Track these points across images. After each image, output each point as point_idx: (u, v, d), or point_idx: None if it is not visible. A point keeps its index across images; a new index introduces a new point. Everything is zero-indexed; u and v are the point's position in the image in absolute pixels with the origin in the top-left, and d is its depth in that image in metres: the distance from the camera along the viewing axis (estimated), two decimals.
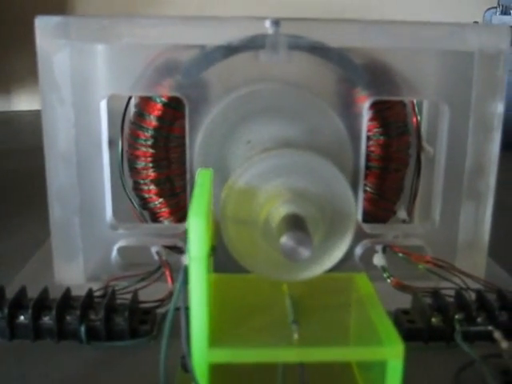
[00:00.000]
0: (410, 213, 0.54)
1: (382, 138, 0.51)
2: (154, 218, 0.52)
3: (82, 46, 0.45)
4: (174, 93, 0.47)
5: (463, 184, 0.49)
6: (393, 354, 0.32)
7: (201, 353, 0.31)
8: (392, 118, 0.51)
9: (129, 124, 0.51)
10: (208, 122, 0.47)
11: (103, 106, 0.46)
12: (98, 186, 0.48)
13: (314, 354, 0.32)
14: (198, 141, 0.48)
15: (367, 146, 0.49)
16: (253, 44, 0.45)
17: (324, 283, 0.38)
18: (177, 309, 0.30)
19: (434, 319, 0.45)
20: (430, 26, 0.46)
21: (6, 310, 0.43)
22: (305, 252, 0.31)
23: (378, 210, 0.52)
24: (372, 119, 0.50)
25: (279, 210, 0.34)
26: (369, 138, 0.50)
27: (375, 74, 0.47)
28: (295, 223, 0.33)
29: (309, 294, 0.37)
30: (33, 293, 0.44)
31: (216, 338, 0.32)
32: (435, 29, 0.46)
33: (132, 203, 0.52)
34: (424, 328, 0.45)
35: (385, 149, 0.51)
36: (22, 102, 1.52)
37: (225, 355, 0.31)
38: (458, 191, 0.49)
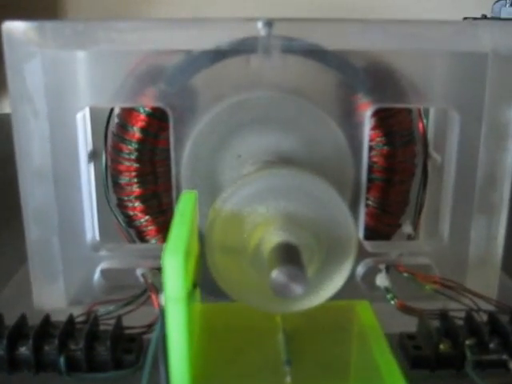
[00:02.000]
0: (415, 227, 0.51)
1: (385, 147, 0.48)
2: (140, 236, 0.50)
3: (55, 53, 0.42)
4: (156, 103, 0.44)
5: (474, 197, 0.46)
6: None
7: None
8: (396, 126, 0.48)
9: (111, 136, 0.48)
10: (195, 135, 0.45)
11: (80, 118, 0.44)
12: (78, 204, 0.46)
13: None
14: (185, 155, 0.45)
15: (369, 157, 0.47)
16: (243, 47, 0.43)
17: (322, 313, 0.36)
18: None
19: (442, 345, 0.42)
20: (438, 25, 0.43)
21: None
22: (297, 289, 0.29)
23: (381, 226, 0.50)
24: (375, 128, 0.48)
25: (270, 238, 0.32)
26: (371, 148, 0.48)
27: (378, 79, 0.44)
28: (288, 255, 0.30)
29: (305, 326, 0.35)
30: (12, 320, 0.42)
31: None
32: (443, 28, 0.43)
33: (117, 220, 0.49)
34: (431, 355, 0.42)
35: (389, 160, 0.49)
36: None
37: None
38: (468, 204, 0.46)
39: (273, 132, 0.45)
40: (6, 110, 1.53)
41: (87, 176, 0.45)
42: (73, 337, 0.41)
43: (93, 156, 0.48)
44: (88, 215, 0.46)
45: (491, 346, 0.42)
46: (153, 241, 0.50)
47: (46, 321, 0.42)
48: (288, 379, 0.30)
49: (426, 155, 0.50)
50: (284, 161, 0.44)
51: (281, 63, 0.43)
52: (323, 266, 0.33)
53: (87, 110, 0.45)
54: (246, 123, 0.45)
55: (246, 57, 0.43)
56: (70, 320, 0.42)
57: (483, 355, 0.41)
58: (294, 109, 0.45)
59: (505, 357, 0.41)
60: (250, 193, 0.33)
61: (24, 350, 0.40)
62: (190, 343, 0.28)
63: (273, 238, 0.31)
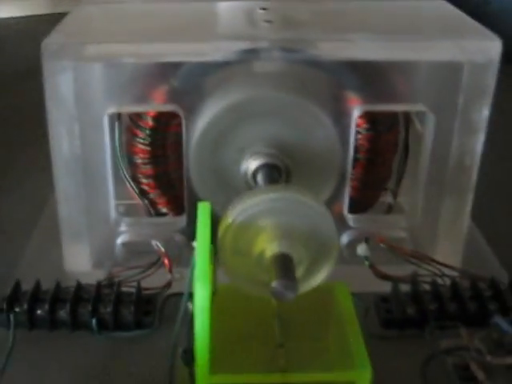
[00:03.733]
0: (395, 195, 0.61)
1: (369, 132, 0.57)
2: (153, 206, 0.60)
3: (83, 66, 0.50)
4: (169, 106, 0.53)
5: (445, 180, 0.55)
6: (361, 377, 0.41)
7: (203, 377, 0.40)
8: (381, 114, 0.56)
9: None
10: (200, 131, 0.53)
11: (106, 120, 0.53)
12: (103, 190, 0.55)
13: (297, 379, 0.41)
14: (192, 147, 0.53)
15: (355, 140, 0.55)
16: (248, 57, 0.50)
17: (307, 295, 0.46)
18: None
19: (409, 310, 0.53)
20: (425, 41, 0.51)
21: (24, 306, 0.52)
22: (291, 295, 0.40)
23: (364, 198, 0.60)
24: (361, 116, 0.55)
25: (270, 248, 0.42)
26: (358, 133, 0.56)
27: (365, 81, 0.52)
28: (284, 266, 0.41)
29: (295, 308, 0.46)
30: (42, 273, 0.55)
31: (216, 363, 0.41)
32: (429, 42, 0.51)
33: (132, 187, 0.58)
34: (400, 318, 0.53)
35: (372, 142, 0.57)
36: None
37: (222, 380, 0.41)
38: (440, 186, 0.55)
39: (271, 126, 0.53)
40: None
41: (112, 166, 0.55)
42: (101, 301, 0.52)
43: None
44: (111, 198, 0.56)
45: (450, 310, 0.53)
46: (164, 209, 0.60)
47: (79, 287, 0.53)
48: (281, 361, 0.42)
49: (407, 131, 0.59)
50: (281, 151, 0.53)
51: (279, 68, 0.52)
52: (310, 265, 0.44)
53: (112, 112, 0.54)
54: (247, 119, 0.53)
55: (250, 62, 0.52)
56: (99, 287, 0.53)
57: (442, 319, 0.53)
58: (289, 105, 0.52)
59: (459, 323, 0.52)
60: (256, 212, 0.42)
61: (62, 313, 0.52)
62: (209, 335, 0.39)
63: (272, 247, 0.42)
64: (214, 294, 0.40)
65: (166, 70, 0.52)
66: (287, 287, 0.39)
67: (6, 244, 0.66)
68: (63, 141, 0.52)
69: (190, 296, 0.40)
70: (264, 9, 0.57)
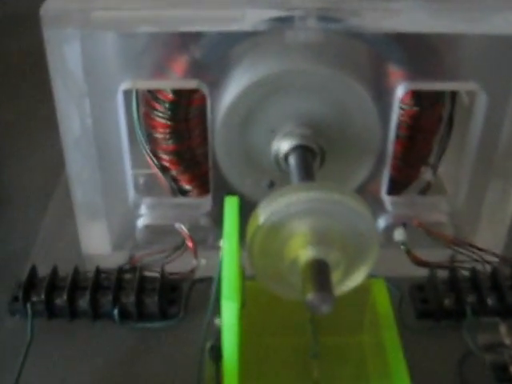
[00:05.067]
0: (435, 172, 0.59)
1: (413, 108, 0.54)
2: (176, 183, 0.58)
3: (91, 34, 0.46)
4: (190, 82, 0.50)
5: (494, 163, 0.53)
6: None
7: None
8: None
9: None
10: (226, 108, 0.50)
11: (121, 96, 0.50)
12: (119, 171, 0.53)
13: None
14: (218, 126, 0.51)
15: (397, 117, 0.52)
16: (278, 27, 0.47)
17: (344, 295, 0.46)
18: None
19: (446, 301, 0.53)
20: (475, 10, 0.47)
21: (42, 295, 0.51)
22: (327, 309, 0.39)
23: (402, 177, 0.58)
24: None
25: (305, 253, 0.41)
26: (400, 108, 0.53)
27: (413, 55, 0.49)
28: (319, 276, 0.40)
29: None
30: (58, 254, 0.56)
31: (246, 374, 0.40)
32: (479, 12, 0.47)
33: (153, 163, 0.57)
34: (436, 309, 0.53)
35: (415, 119, 0.55)
36: None
37: None
38: (486, 170, 0.53)
39: (305, 103, 0.50)
40: None
41: (128, 143, 0.53)
42: (123, 289, 0.52)
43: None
44: (129, 177, 0.54)
45: (489, 302, 0.52)
46: (187, 187, 0.58)
47: (98, 272, 0.53)
48: (315, 373, 0.42)
49: (454, 104, 0.56)
50: (315, 131, 0.50)
51: (315, 39, 0.48)
52: (348, 267, 0.42)
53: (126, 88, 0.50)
54: (278, 95, 0.50)
55: (282, 32, 0.48)
56: (119, 275, 0.53)
57: (480, 312, 0.52)
58: (326, 80, 0.49)
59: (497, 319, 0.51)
60: (289, 213, 0.40)
61: (82, 303, 0.51)
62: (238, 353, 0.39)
63: (307, 253, 0.40)
64: (243, 306, 0.40)
65: (186, 40, 0.48)
66: (324, 300, 0.38)
67: (21, 216, 0.66)
68: (73, 118, 0.49)
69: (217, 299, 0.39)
70: None
